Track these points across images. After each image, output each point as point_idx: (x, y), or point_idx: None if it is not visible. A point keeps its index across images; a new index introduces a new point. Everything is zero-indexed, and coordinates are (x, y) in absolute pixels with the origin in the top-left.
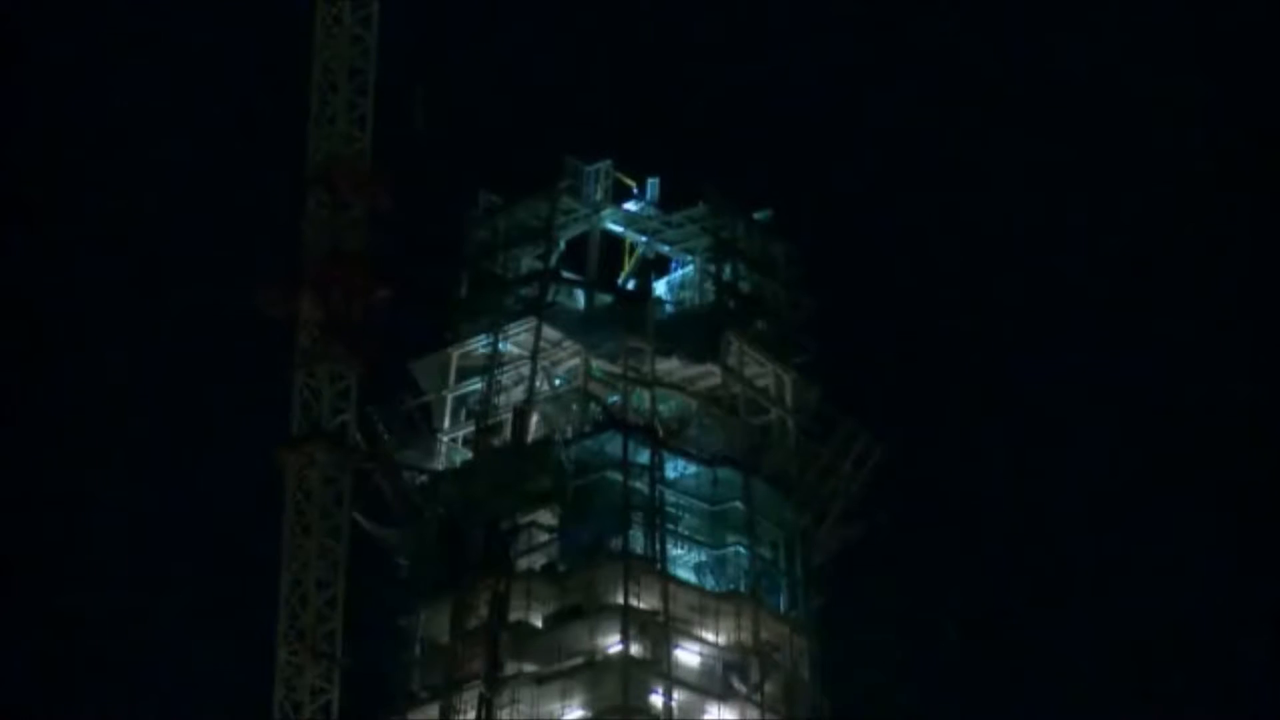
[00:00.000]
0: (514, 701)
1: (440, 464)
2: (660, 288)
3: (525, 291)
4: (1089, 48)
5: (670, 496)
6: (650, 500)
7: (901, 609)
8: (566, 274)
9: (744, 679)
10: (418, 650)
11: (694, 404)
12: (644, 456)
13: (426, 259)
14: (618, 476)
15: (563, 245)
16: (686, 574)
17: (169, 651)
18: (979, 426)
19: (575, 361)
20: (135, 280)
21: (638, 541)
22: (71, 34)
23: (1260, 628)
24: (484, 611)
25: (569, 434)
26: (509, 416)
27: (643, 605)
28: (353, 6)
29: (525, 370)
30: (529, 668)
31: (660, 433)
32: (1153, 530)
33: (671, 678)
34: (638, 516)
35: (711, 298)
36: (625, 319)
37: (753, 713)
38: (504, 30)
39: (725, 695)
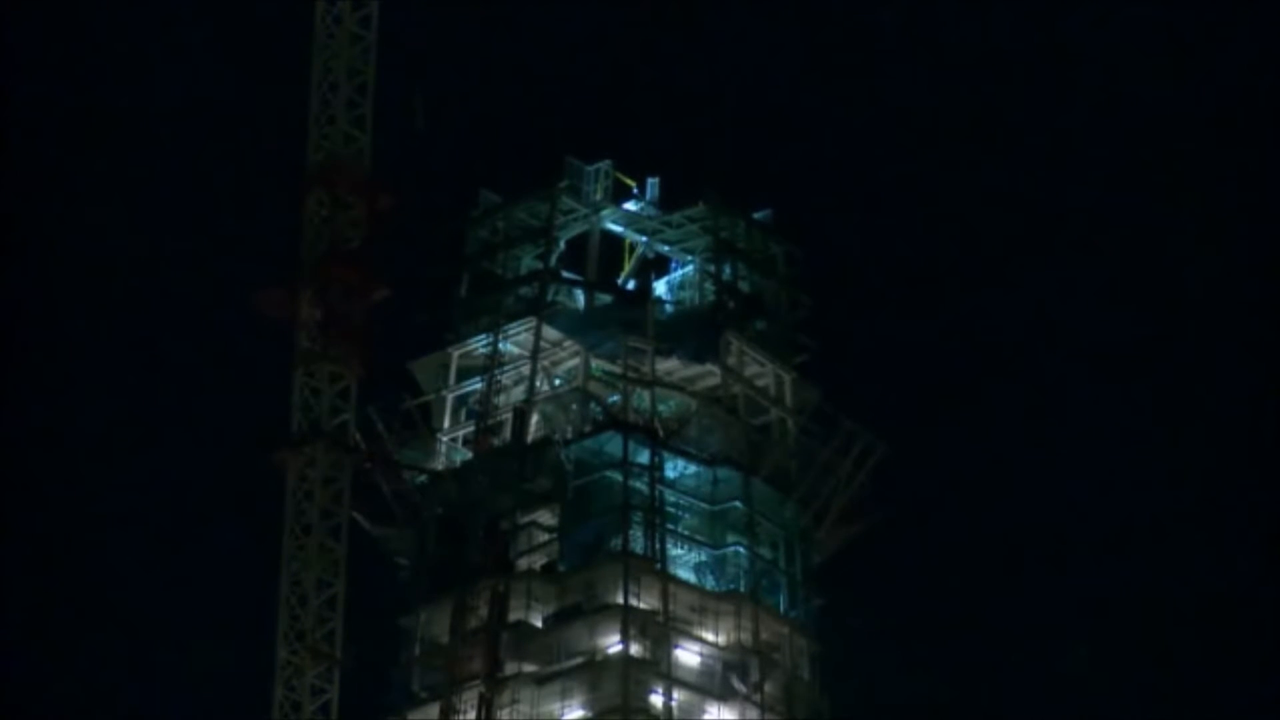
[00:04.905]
0: (514, 701)
1: (440, 464)
2: (660, 288)
3: (525, 291)
4: (1085, 46)
5: (670, 496)
6: (650, 500)
7: (901, 609)
8: (566, 274)
9: (744, 679)
10: (418, 650)
11: (694, 404)
12: (644, 456)
13: (426, 259)
14: (618, 476)
15: (562, 245)
16: (686, 574)
17: (169, 651)
18: (979, 426)
19: (575, 361)
20: (135, 280)
21: (638, 541)
22: (72, 34)
23: (1260, 634)
24: (484, 611)
25: (569, 434)
26: (509, 416)
27: (643, 605)
28: (353, 6)
29: (525, 370)
30: (529, 668)
31: (660, 433)
32: (1153, 530)
33: (671, 678)
34: (638, 516)
35: (711, 298)
36: (625, 319)
37: (752, 713)
38: (504, 30)
39: (725, 695)
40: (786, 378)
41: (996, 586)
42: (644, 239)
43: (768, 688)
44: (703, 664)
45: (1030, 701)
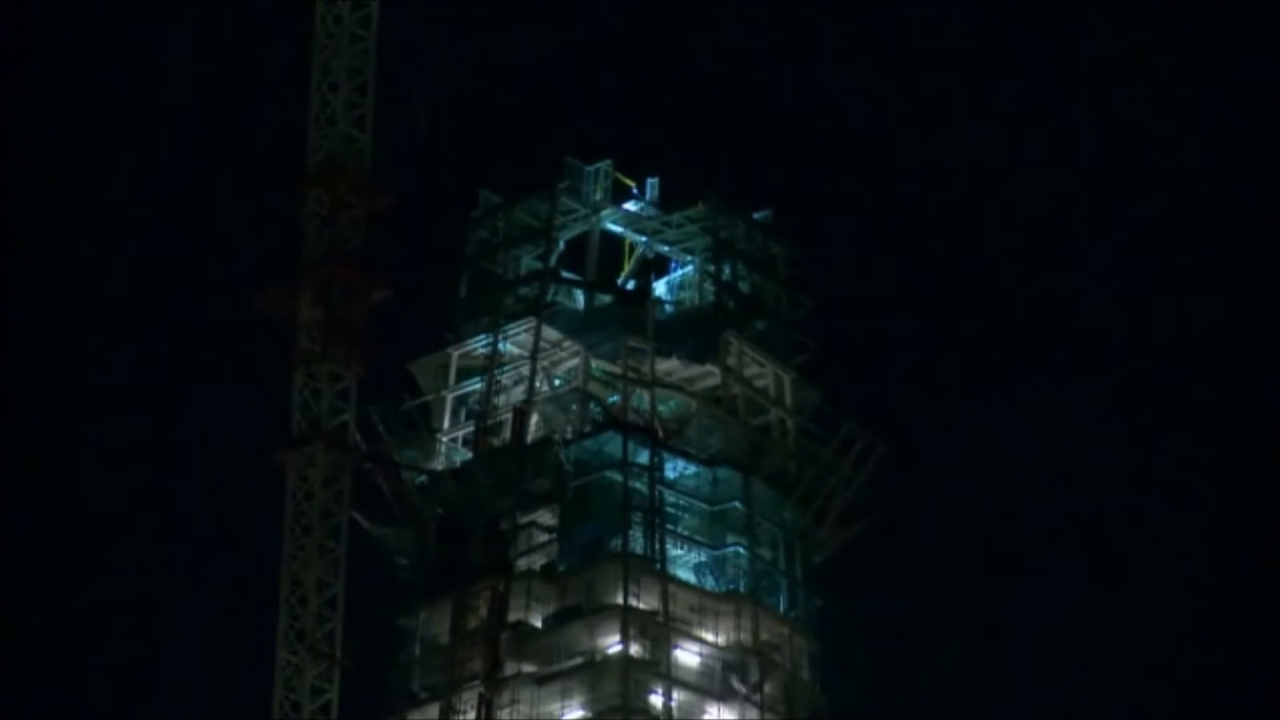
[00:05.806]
0: (514, 701)
1: (440, 464)
2: (660, 288)
3: (525, 291)
4: (1085, 46)
5: (670, 496)
6: (650, 500)
7: (901, 609)
8: (566, 274)
9: (744, 679)
10: (418, 650)
11: (694, 404)
12: (644, 456)
13: (426, 259)
14: (618, 476)
15: (562, 245)
16: (686, 574)
17: (169, 651)
18: (978, 427)
19: (575, 361)
20: (134, 281)
21: (637, 541)
22: (72, 34)
23: (1259, 634)
24: (484, 611)
25: (569, 434)
26: (509, 416)
27: (642, 605)
28: (353, 6)
29: (525, 370)
30: (529, 668)
31: (660, 433)
32: (1152, 529)
33: (671, 678)
34: (637, 516)
35: (711, 298)
36: (625, 319)
37: (752, 713)
38: (504, 30)
39: (725, 695)
40: (786, 378)
41: (996, 586)
42: (644, 239)
43: (768, 688)
44: (702, 664)
45: (1030, 701)
